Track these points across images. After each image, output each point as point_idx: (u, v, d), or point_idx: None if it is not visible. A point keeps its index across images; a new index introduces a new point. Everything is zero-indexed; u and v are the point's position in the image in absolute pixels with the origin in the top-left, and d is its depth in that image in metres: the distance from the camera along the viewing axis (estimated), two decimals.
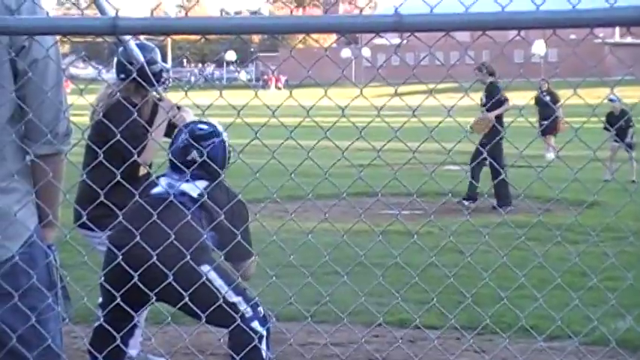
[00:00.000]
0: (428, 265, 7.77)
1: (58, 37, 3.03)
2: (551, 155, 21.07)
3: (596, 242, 8.54)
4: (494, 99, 13.09)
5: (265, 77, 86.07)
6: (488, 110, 13.18)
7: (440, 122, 2.73)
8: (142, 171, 5.60)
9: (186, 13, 2.71)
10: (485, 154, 11.60)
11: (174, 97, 5.83)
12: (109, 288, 4.21)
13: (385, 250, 8.38)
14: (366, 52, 72.04)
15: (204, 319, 4.04)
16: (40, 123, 3.03)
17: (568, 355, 5.85)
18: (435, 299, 3.50)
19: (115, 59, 5.73)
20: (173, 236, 3.69)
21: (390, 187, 12.69)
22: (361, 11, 2.65)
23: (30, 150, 3.08)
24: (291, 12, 2.60)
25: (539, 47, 59.18)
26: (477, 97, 3.76)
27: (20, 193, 3.06)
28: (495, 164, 12.00)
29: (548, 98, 21.82)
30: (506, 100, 13.34)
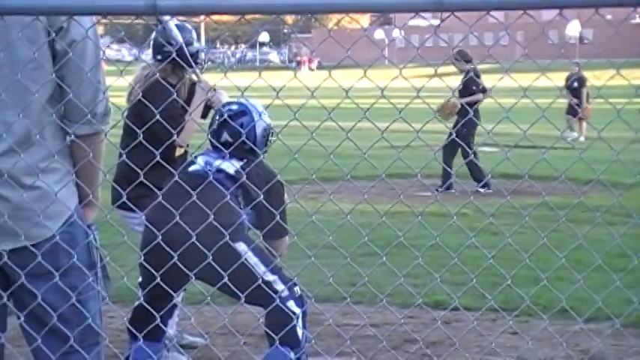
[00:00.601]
0: (461, 246, 7.78)
1: (95, 19, 3.05)
2: (573, 135, 20.94)
3: (638, 224, 8.47)
4: (471, 87, 12.86)
5: (298, 58, 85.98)
6: (461, 97, 13.03)
7: (478, 103, 2.71)
8: (179, 152, 5.62)
9: None
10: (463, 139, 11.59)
11: (207, 78, 5.84)
12: (147, 266, 4.24)
13: (417, 230, 8.43)
14: (398, 33, 71.76)
15: (243, 299, 4.04)
16: (79, 103, 3.06)
17: (607, 337, 5.82)
18: (474, 280, 3.48)
19: (152, 40, 5.74)
20: (212, 216, 3.69)
21: (424, 169, 12.61)
22: None
23: (69, 130, 3.11)
24: None
25: (574, 28, 58.70)
26: (518, 78, 3.72)
27: (60, 173, 3.09)
28: (466, 146, 12.06)
29: (576, 84, 21.66)
30: (483, 90, 13.07)
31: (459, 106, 12.73)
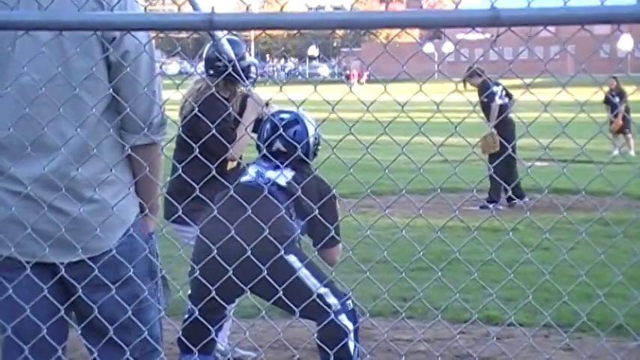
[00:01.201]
0: (512, 261, 7.72)
1: (151, 33, 3.07)
2: (615, 152, 20.70)
3: None
4: (482, 100, 12.59)
5: (347, 72, 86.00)
6: (483, 109, 12.68)
7: (536, 118, 2.70)
8: (231, 165, 5.63)
9: (281, 8, 2.72)
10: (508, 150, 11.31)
11: (257, 92, 5.85)
12: (200, 278, 4.24)
13: (470, 245, 8.38)
14: (448, 47, 71.59)
15: (297, 313, 4.03)
16: (135, 114, 3.07)
17: None
18: (530, 297, 3.45)
19: (205, 55, 5.76)
20: (266, 231, 3.69)
21: (476, 183, 12.47)
22: (457, 6, 2.63)
23: (126, 141, 3.12)
24: (386, 7, 2.60)
25: (626, 42, 58.25)
26: (575, 92, 3.65)
27: (119, 184, 3.11)
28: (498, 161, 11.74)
29: (617, 99, 21.43)
30: (508, 95, 12.85)
31: (496, 136, 12.45)
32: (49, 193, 3.00)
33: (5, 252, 3.04)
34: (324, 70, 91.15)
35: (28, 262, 3.03)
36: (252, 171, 4.96)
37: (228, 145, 4.94)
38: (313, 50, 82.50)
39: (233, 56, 5.40)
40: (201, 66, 5.86)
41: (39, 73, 2.95)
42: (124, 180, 3.14)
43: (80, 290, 3.06)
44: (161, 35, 2.98)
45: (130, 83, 3.04)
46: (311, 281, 4.61)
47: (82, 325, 3.16)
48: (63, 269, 3.04)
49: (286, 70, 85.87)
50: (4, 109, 2.98)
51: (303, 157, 4.95)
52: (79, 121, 2.98)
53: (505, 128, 12.07)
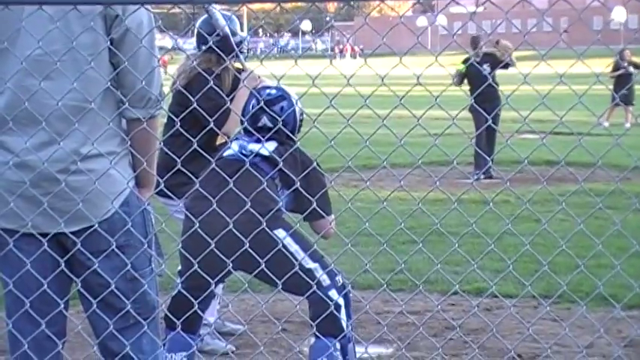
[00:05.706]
0: (503, 233, 7.76)
1: (150, 7, 3.15)
2: (605, 124, 20.65)
3: None
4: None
5: (340, 46, 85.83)
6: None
7: (515, 89, 2.71)
8: (220, 141, 5.62)
9: None
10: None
11: (249, 66, 5.84)
12: (188, 256, 4.24)
13: (459, 218, 8.43)
14: (442, 20, 71.37)
15: (279, 286, 4.04)
16: (134, 89, 3.17)
17: None
18: (510, 267, 3.48)
19: (197, 29, 5.73)
20: (249, 203, 3.70)
21: (464, 156, 12.55)
22: None
23: (125, 114, 3.23)
24: None
25: (619, 14, 58.16)
26: (555, 64, 3.64)
27: (118, 155, 3.21)
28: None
29: (631, 69, 21.32)
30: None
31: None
32: (48, 164, 3.09)
33: (7, 225, 3.17)
34: (317, 44, 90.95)
35: (31, 234, 3.15)
36: (234, 145, 4.92)
37: (221, 120, 4.92)
38: (306, 25, 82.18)
39: (227, 31, 5.37)
40: (192, 40, 5.85)
41: (43, 47, 3.04)
42: (122, 151, 3.24)
43: (79, 256, 3.18)
44: (155, 11, 3.03)
45: (130, 59, 3.14)
46: (300, 255, 4.58)
47: (83, 290, 3.26)
48: (70, 235, 3.15)
49: (279, 45, 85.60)
50: (13, 82, 3.09)
51: (289, 132, 4.93)
52: (83, 94, 3.08)
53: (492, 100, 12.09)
